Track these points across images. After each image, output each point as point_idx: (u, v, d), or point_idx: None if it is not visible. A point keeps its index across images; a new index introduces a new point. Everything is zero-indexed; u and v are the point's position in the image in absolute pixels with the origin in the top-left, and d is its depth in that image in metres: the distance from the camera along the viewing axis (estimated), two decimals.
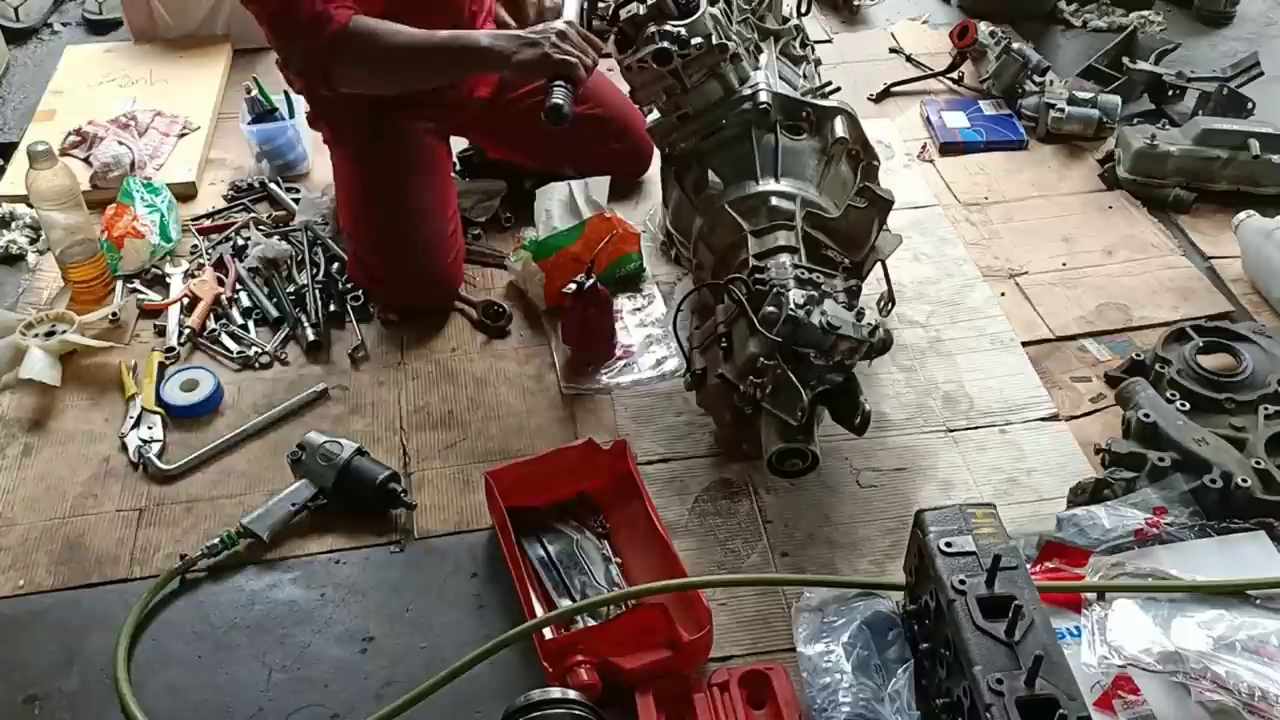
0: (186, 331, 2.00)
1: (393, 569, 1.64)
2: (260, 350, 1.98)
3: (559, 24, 1.82)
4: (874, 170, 1.86)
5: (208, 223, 2.29)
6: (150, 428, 1.83)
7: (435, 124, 2.10)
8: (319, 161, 2.41)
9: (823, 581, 1.55)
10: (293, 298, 2.08)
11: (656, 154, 2.00)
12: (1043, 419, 1.83)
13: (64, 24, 3.05)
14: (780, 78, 1.89)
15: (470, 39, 1.85)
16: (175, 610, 1.59)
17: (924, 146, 2.48)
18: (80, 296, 2.08)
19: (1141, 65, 2.55)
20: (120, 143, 2.38)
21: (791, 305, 1.55)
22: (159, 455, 1.79)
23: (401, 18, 1.83)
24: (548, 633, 1.47)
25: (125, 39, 2.87)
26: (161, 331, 2.03)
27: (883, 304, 1.99)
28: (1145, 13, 2.94)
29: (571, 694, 1.35)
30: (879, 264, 1.89)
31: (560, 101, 1.73)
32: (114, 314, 2.01)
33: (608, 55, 1.85)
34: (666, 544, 1.55)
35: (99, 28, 3.00)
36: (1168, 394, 1.71)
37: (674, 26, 1.72)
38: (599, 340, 1.95)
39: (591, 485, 1.71)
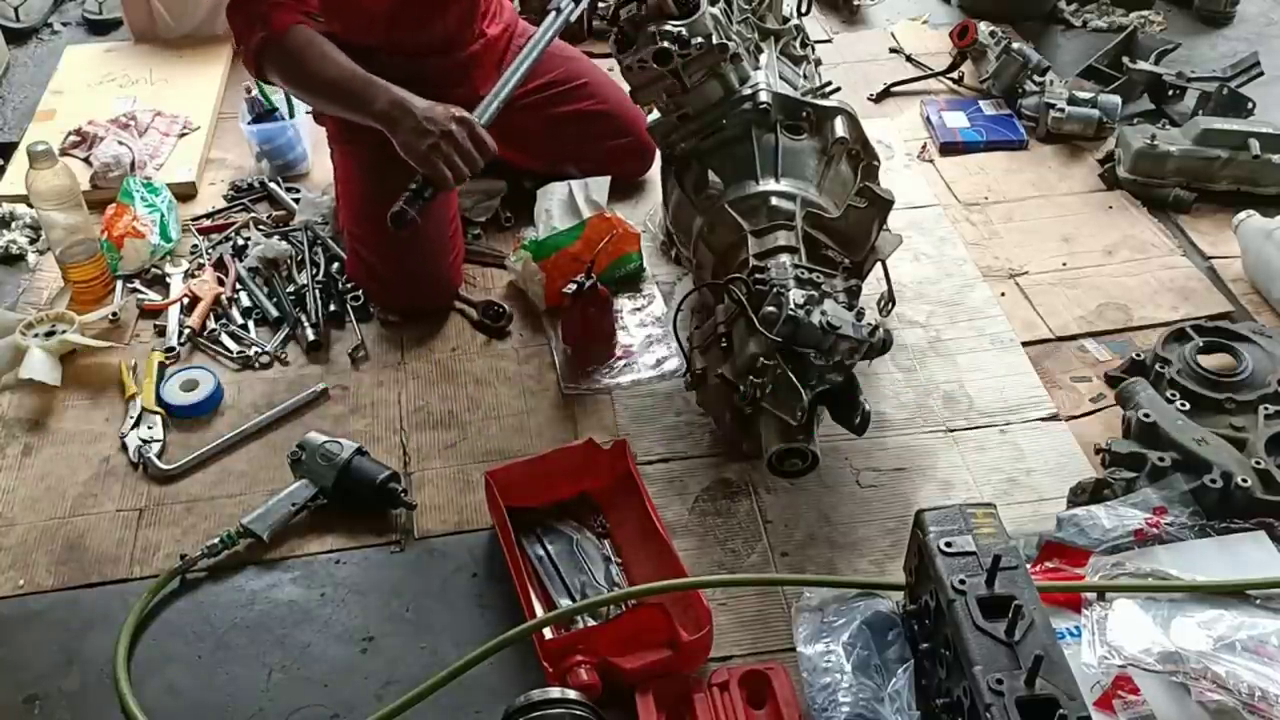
0: (186, 331, 2.00)
1: (393, 569, 1.64)
2: (260, 350, 1.98)
3: (454, 118, 1.74)
4: (874, 170, 1.86)
5: (208, 223, 2.29)
6: (150, 428, 1.83)
7: None
8: (319, 161, 2.41)
9: (823, 581, 1.55)
10: (293, 298, 2.08)
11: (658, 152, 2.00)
12: (1043, 419, 1.83)
13: (64, 24, 3.05)
14: (780, 78, 1.89)
15: (374, 96, 1.79)
16: (175, 610, 1.59)
17: (924, 146, 2.48)
18: (80, 296, 2.08)
19: (1141, 65, 2.55)
20: (120, 143, 2.38)
21: (791, 305, 1.55)
22: (159, 455, 1.79)
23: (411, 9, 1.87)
24: (548, 633, 1.47)
25: (125, 39, 2.87)
26: (161, 331, 2.03)
27: (883, 304, 1.99)
28: (1145, 13, 2.94)
29: (571, 694, 1.35)
30: (879, 264, 1.89)
31: (404, 208, 1.71)
32: (114, 314, 2.02)
33: (492, 156, 1.78)
34: (666, 544, 1.55)
35: (99, 28, 3.00)
36: (1168, 394, 1.71)
37: (674, 26, 1.71)
38: (599, 340, 1.94)
39: (591, 485, 1.71)
